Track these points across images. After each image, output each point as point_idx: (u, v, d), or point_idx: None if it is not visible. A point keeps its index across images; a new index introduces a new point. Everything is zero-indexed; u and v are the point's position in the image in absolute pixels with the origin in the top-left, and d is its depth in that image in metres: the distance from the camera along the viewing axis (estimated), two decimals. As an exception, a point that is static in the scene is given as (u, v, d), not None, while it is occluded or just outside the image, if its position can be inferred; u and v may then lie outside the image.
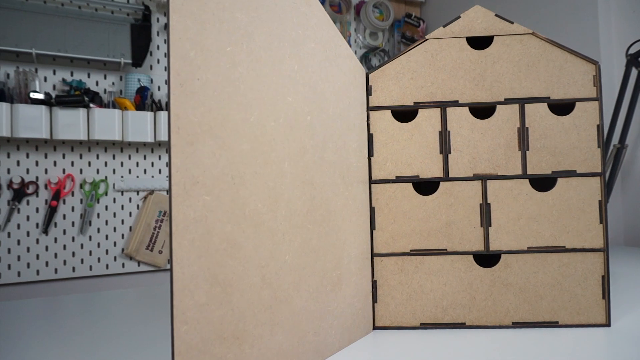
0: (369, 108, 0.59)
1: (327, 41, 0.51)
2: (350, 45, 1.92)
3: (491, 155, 0.57)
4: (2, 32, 1.43)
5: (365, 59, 1.99)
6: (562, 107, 0.59)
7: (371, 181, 0.59)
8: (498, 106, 0.57)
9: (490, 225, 0.57)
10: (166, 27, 1.59)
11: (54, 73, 1.59)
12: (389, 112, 0.59)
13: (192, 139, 0.34)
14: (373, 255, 0.58)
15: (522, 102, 0.57)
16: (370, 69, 1.98)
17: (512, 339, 0.53)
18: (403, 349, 0.50)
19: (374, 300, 0.58)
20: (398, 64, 0.59)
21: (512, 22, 0.58)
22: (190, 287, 0.34)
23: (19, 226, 1.58)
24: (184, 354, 0.33)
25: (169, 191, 0.34)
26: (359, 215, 0.55)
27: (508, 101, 0.57)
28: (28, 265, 1.59)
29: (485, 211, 0.57)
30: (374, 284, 0.58)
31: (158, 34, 1.62)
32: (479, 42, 0.60)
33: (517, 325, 0.57)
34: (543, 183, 0.60)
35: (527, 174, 0.57)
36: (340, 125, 0.52)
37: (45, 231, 1.59)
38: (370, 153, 0.59)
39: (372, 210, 0.58)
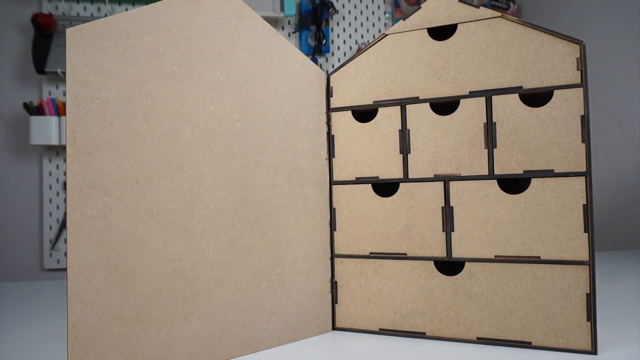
0: (331, 109, 0.59)
1: (266, 49, 0.53)
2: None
3: (454, 154, 0.53)
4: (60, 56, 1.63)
5: None
6: (538, 98, 0.52)
7: (332, 182, 0.59)
8: (462, 100, 0.53)
9: (453, 230, 0.53)
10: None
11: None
12: (349, 113, 0.58)
13: (90, 150, 0.41)
14: (334, 256, 0.59)
15: (488, 94, 0.51)
16: None
17: (477, 356, 0.48)
18: (350, 353, 0.50)
19: (335, 301, 0.59)
20: (358, 63, 0.58)
21: (477, 7, 0.52)
22: (86, 273, 0.40)
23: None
24: (78, 328, 0.40)
25: (66, 193, 0.42)
26: (312, 216, 0.56)
27: (473, 94, 0.52)
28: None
29: (447, 215, 0.53)
30: (335, 284, 0.59)
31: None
32: (443, 33, 0.55)
33: (482, 341, 0.51)
34: (518, 185, 0.53)
35: (494, 174, 0.51)
36: (285, 128, 0.54)
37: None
38: (332, 154, 0.59)
39: (332, 211, 0.59)
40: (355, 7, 1.85)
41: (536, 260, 0.49)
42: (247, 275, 0.50)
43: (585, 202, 0.48)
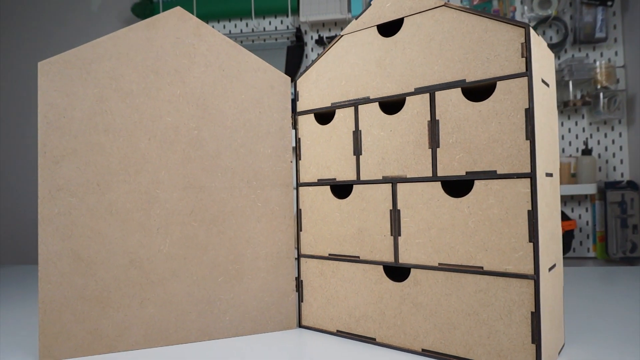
0: (298, 113, 0.61)
1: (225, 61, 0.57)
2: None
3: (400, 155, 0.50)
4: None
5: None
6: (484, 91, 0.46)
7: (299, 184, 0.60)
8: (407, 98, 0.50)
9: (400, 235, 0.50)
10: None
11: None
12: (312, 116, 0.59)
13: (57, 159, 0.50)
14: (300, 255, 0.60)
15: (432, 90, 0.48)
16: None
17: (400, 365, 0.46)
18: (299, 350, 0.52)
19: (300, 299, 0.60)
20: (318, 66, 0.58)
21: (422, -3, 0.49)
22: (53, 260, 0.50)
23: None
24: (47, 304, 0.49)
25: (38, 194, 0.51)
26: (274, 216, 0.59)
27: (418, 91, 0.49)
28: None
29: (395, 218, 0.51)
30: (300, 283, 0.60)
31: (312, 50, 1.84)
32: (394, 28, 0.53)
33: (427, 353, 0.48)
34: (465, 186, 0.48)
35: (437, 175, 0.48)
36: (244, 134, 0.58)
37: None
38: (299, 157, 0.61)
39: (299, 212, 0.60)
40: None
41: (479, 271, 0.45)
42: (203, 269, 0.55)
43: (529, 208, 0.42)
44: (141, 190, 0.53)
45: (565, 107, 1.55)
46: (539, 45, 0.45)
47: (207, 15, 1.87)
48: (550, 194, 0.46)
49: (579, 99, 1.55)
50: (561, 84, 1.54)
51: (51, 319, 0.50)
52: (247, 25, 1.92)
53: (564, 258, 1.63)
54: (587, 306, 0.67)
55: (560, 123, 1.63)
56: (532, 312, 0.41)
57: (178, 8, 0.55)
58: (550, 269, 0.45)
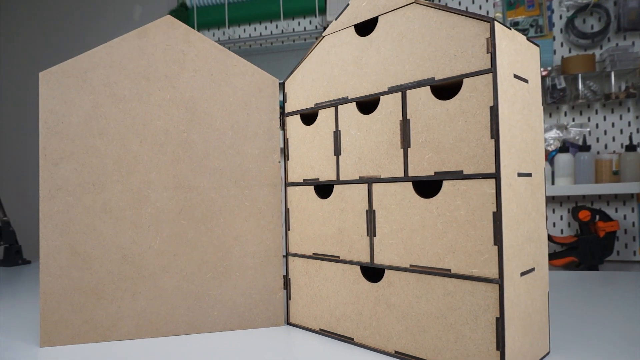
0: (286, 114, 0.62)
1: (214, 65, 0.59)
2: (552, 11, 1.52)
3: (375, 155, 0.50)
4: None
5: (570, 25, 1.54)
6: (454, 89, 0.45)
7: (287, 184, 0.62)
8: (381, 98, 0.50)
9: (375, 235, 0.50)
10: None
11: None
12: (298, 117, 0.60)
13: (56, 161, 0.54)
14: (288, 254, 0.61)
15: (404, 89, 0.47)
16: (580, 35, 1.51)
17: (370, 366, 0.46)
18: (279, 346, 0.54)
19: (288, 297, 0.61)
20: (303, 68, 0.59)
21: (395, -5, 0.48)
22: (53, 254, 0.54)
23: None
24: (47, 294, 0.54)
25: (39, 193, 0.55)
26: (262, 215, 0.60)
27: (391, 90, 0.49)
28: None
29: (371, 219, 0.50)
30: (288, 281, 0.61)
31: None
32: (369, 28, 0.52)
33: (399, 355, 0.48)
34: (436, 187, 0.47)
35: (408, 176, 0.47)
36: (233, 135, 0.60)
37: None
38: (287, 157, 0.62)
39: (287, 211, 0.61)
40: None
41: (447, 274, 0.44)
42: (192, 265, 0.58)
43: (494, 209, 0.40)
44: (133, 190, 0.56)
45: (607, 100, 1.44)
46: (512, 40, 0.43)
47: (238, 19, 1.93)
48: (526, 194, 0.44)
49: (623, 90, 1.43)
50: (602, 76, 1.44)
51: (51, 309, 0.54)
52: (276, 27, 1.95)
53: (605, 261, 1.52)
54: (631, 314, 0.63)
55: (602, 117, 1.53)
56: (496, 318, 0.40)
57: (168, 16, 0.58)
58: (524, 273, 0.43)
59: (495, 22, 0.40)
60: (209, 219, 0.59)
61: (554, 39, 1.61)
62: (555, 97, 1.45)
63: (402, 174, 0.47)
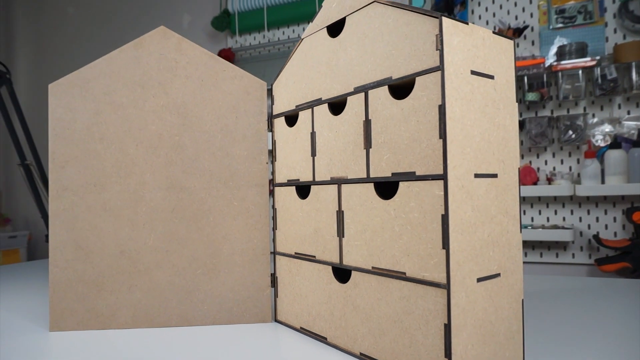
0: (273, 116, 0.63)
1: (205, 71, 0.62)
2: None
3: (343, 156, 0.50)
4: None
5: (624, 9, 1.39)
6: (410, 89, 0.44)
7: (275, 184, 0.63)
8: (348, 98, 0.49)
9: (343, 236, 0.50)
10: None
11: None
12: (283, 119, 0.61)
13: (63, 164, 0.60)
14: (275, 253, 0.63)
15: (366, 89, 0.47)
16: (636, 20, 1.36)
17: (331, 366, 0.47)
18: (259, 343, 0.56)
19: (276, 294, 0.63)
20: (287, 70, 0.60)
21: (358, -5, 0.48)
22: (60, 248, 0.60)
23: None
24: (55, 284, 0.60)
25: (48, 193, 0.61)
26: (250, 215, 0.62)
27: (357, 90, 0.48)
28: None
29: (340, 219, 0.51)
30: (275, 279, 0.63)
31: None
32: (339, 28, 0.52)
33: (364, 357, 0.48)
34: (395, 188, 0.46)
35: (370, 177, 0.46)
36: (222, 138, 0.62)
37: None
38: (274, 158, 0.63)
39: (275, 211, 0.63)
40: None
41: (402, 277, 0.43)
42: (183, 262, 0.61)
43: (443, 212, 0.39)
44: (130, 190, 0.61)
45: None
46: (469, 35, 0.41)
47: (276, 22, 1.97)
48: (488, 196, 0.42)
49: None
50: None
51: (59, 297, 0.60)
52: (314, 27, 1.97)
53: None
54: None
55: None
56: (445, 324, 0.39)
57: (162, 27, 0.62)
58: (483, 279, 0.41)
59: (444, 18, 0.39)
60: (199, 218, 0.62)
61: (605, 25, 1.47)
62: (604, 89, 1.33)
63: (365, 175, 0.47)
